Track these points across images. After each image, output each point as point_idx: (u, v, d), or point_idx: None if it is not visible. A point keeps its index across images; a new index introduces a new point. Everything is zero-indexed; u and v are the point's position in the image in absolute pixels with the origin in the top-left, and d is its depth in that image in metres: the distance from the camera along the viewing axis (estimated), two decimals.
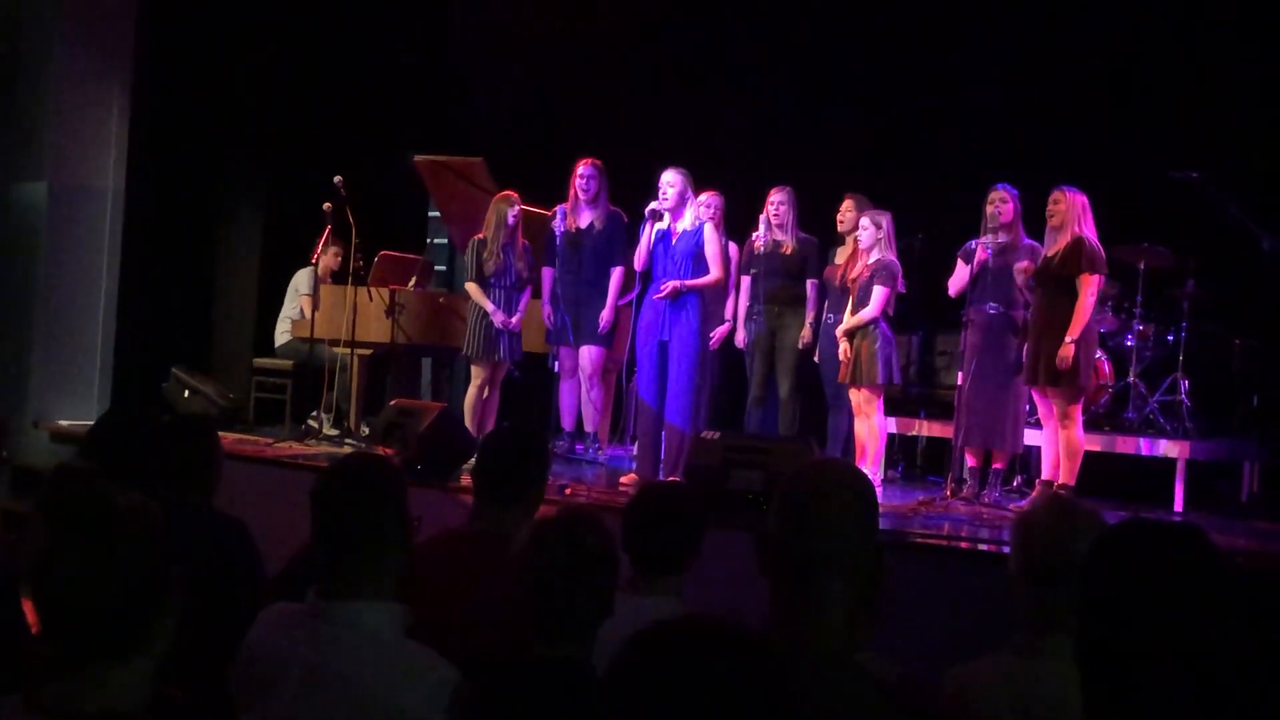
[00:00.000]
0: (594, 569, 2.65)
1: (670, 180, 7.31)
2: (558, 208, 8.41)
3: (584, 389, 8.44)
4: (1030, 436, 7.48)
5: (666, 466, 7.14)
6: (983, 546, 6.20)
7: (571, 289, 8.31)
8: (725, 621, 1.58)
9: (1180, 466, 7.44)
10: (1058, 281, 6.78)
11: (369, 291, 9.02)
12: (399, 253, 10.02)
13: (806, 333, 8.14)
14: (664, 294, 7.22)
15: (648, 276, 7.35)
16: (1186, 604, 1.86)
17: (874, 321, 7.48)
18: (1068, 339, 6.65)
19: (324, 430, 8.88)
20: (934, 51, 9.39)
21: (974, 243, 7.27)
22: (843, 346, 7.58)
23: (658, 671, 1.51)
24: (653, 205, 7.32)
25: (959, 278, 7.42)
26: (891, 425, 8.23)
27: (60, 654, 1.93)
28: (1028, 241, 7.18)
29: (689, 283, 7.24)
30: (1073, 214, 6.76)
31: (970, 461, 7.32)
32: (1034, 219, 7.12)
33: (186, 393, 9.60)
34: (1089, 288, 6.70)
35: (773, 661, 1.55)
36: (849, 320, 7.57)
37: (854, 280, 7.62)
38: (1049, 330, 6.78)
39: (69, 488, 2.01)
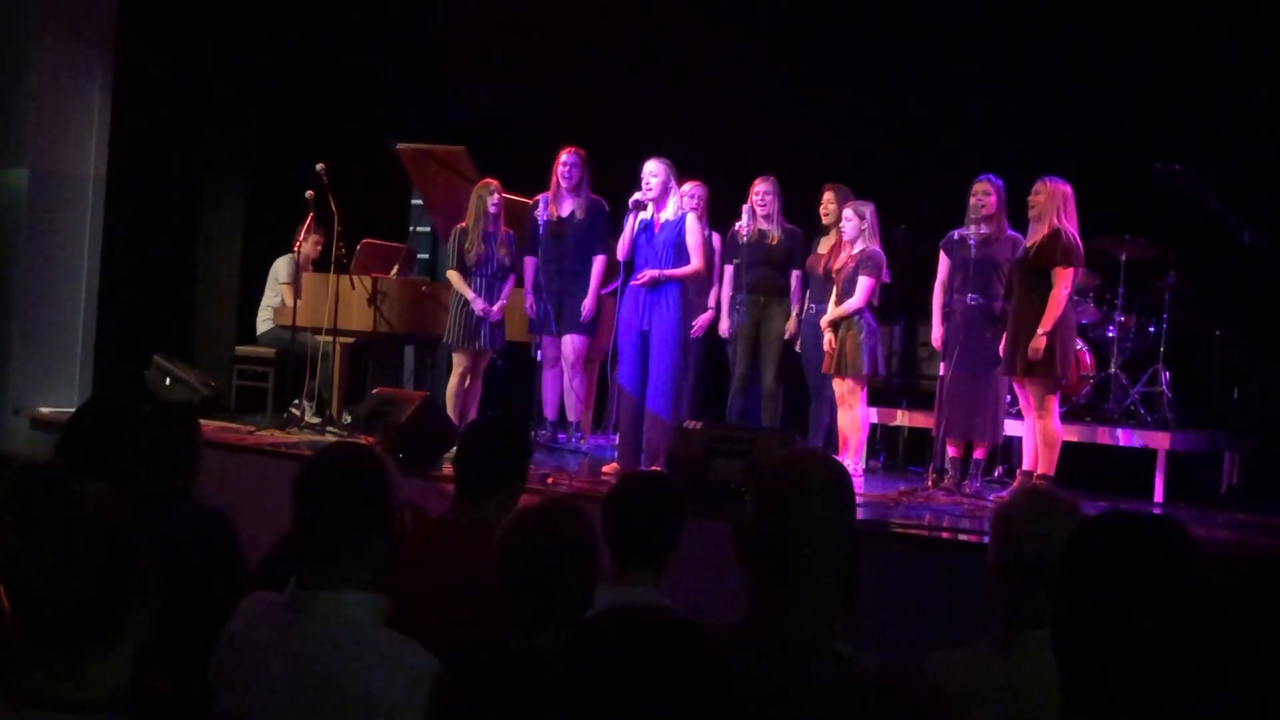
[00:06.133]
0: (574, 559, 2.65)
1: (653, 170, 7.30)
2: (539, 196, 8.41)
3: (566, 378, 8.45)
4: (1011, 427, 7.51)
5: (648, 456, 7.14)
6: (964, 537, 6.21)
7: (554, 278, 8.31)
8: (664, 610, 1.63)
9: (1160, 457, 7.49)
10: (1035, 273, 6.79)
11: (351, 279, 8.99)
12: (381, 241, 10.00)
13: (791, 323, 8.15)
14: (641, 282, 7.23)
15: (630, 267, 7.35)
16: (1163, 596, 1.87)
17: (859, 312, 7.50)
18: (1040, 331, 6.67)
19: (306, 418, 8.86)
20: (917, 42, 9.40)
21: (955, 233, 7.28)
22: (827, 337, 7.60)
23: (598, 658, 1.56)
24: (636, 196, 7.32)
25: (943, 275, 7.41)
26: (873, 416, 8.26)
27: (35, 646, 1.93)
28: (1011, 233, 7.19)
29: (667, 272, 7.24)
30: (1052, 205, 6.76)
31: (951, 452, 7.34)
32: (1017, 210, 7.13)
33: (168, 380, 9.57)
34: (1063, 280, 6.72)
35: (707, 650, 1.60)
36: (833, 311, 7.59)
37: (838, 271, 7.64)
38: (1025, 321, 6.80)
39: (30, 486, 2.00)
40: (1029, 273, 6.84)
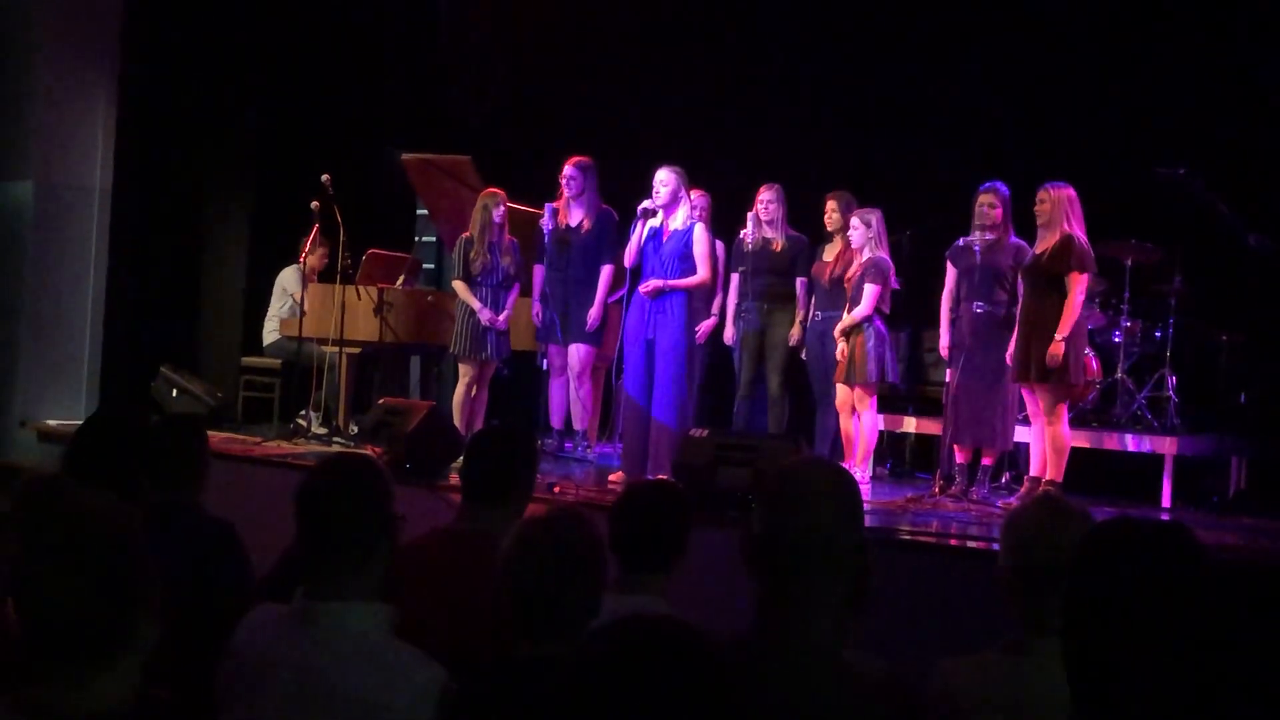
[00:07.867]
0: (580, 568, 2.64)
1: (664, 179, 7.30)
2: (547, 206, 8.40)
3: (572, 387, 8.44)
4: (1019, 433, 7.50)
5: (654, 464, 7.13)
6: (972, 543, 6.21)
7: (560, 287, 8.31)
8: (671, 619, 1.64)
9: (1168, 463, 7.46)
10: (1047, 279, 6.78)
11: (357, 290, 9.00)
12: (387, 251, 10.00)
13: (796, 331, 8.15)
14: (646, 291, 7.24)
15: (638, 274, 7.35)
16: (1172, 602, 1.87)
17: (868, 319, 7.49)
18: (1058, 336, 6.67)
19: (312, 429, 8.87)
20: (920, 48, 9.39)
21: (961, 241, 7.28)
22: (840, 345, 7.59)
23: (605, 667, 1.56)
24: (645, 204, 7.32)
25: (951, 284, 7.41)
26: (881, 422, 8.24)
27: (43, 657, 1.93)
28: (1015, 240, 7.19)
29: (671, 282, 7.24)
30: (1059, 210, 6.76)
31: (959, 458, 7.33)
32: (1022, 216, 7.13)
33: (174, 392, 9.58)
34: (1078, 286, 6.71)
35: (714, 659, 1.60)
36: (845, 319, 7.58)
37: (848, 279, 7.63)
38: (1037, 327, 6.79)
39: (37, 497, 2.01)
40: (1041, 279, 6.82)
